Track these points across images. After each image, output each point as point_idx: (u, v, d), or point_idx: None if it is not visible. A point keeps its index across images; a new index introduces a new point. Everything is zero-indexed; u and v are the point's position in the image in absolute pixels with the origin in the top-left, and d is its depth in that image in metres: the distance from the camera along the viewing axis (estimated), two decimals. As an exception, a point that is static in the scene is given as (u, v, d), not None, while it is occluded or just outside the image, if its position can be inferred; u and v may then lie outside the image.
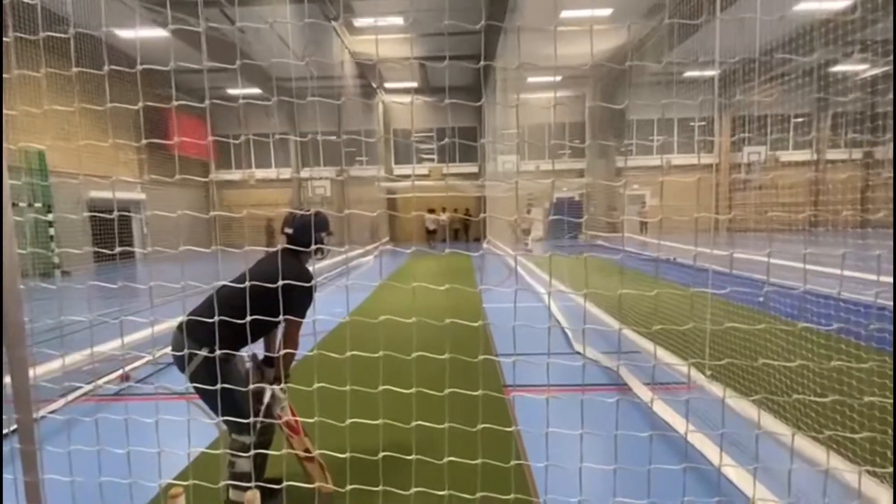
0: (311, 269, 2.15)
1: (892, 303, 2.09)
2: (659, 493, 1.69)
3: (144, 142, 1.82)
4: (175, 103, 1.81)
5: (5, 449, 2.73)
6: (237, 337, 1.84)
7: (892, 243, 1.67)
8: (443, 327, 1.76)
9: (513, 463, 1.62)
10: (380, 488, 1.61)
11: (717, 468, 1.70)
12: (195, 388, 1.96)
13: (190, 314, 2.04)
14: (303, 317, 2.09)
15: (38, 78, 1.74)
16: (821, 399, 2.09)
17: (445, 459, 1.60)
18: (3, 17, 1.56)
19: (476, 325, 1.80)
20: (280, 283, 1.72)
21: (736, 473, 2.20)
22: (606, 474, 1.77)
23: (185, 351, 1.91)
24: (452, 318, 1.72)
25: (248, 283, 1.77)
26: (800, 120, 20.76)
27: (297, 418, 2.25)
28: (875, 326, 3.16)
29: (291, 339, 2.07)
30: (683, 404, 2.99)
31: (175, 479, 2.42)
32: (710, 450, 2.46)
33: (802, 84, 13.66)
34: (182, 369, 2.00)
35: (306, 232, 2.18)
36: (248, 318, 1.71)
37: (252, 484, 1.93)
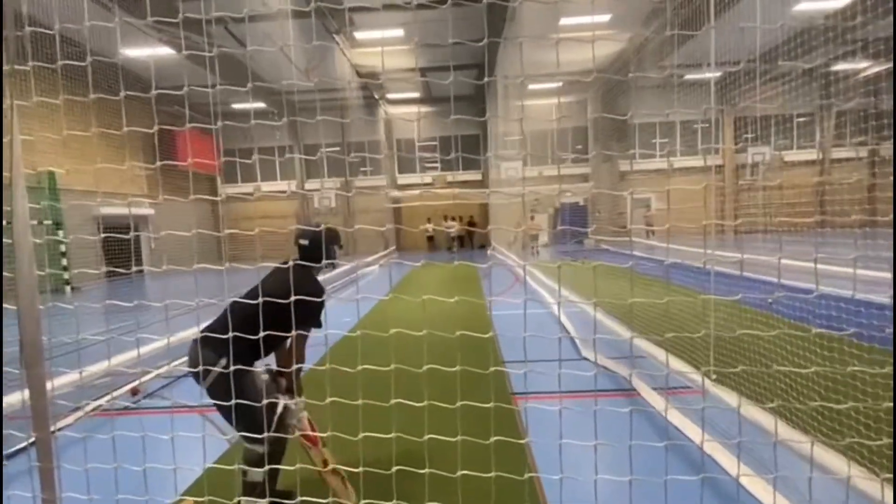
0: (320, 280, 2.21)
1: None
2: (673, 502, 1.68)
3: (158, 163, 1.85)
4: (189, 125, 1.83)
5: (21, 465, 2.75)
6: (253, 349, 1.89)
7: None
8: (452, 336, 1.77)
9: (527, 476, 1.61)
10: (393, 503, 1.61)
11: (736, 479, 1.68)
12: (213, 399, 2.00)
13: (206, 328, 2.08)
14: (316, 327, 2.14)
15: (51, 97, 1.78)
16: (837, 406, 2.06)
17: (459, 473, 1.59)
18: (2, 17, 1.59)
19: (486, 335, 1.80)
20: (293, 297, 1.76)
21: (749, 481, 2.17)
22: (620, 485, 1.76)
23: (200, 368, 1.94)
24: (460, 325, 1.73)
25: (261, 299, 1.79)
26: (803, 119, 20.68)
27: (316, 431, 2.26)
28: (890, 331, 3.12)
29: (300, 351, 2.12)
30: (691, 409, 2.96)
31: (186, 492, 2.42)
32: (720, 455, 2.43)
33: (805, 83, 13.64)
34: (199, 381, 2.03)
35: (319, 246, 2.23)
36: (263, 333, 1.75)
37: (266, 500, 1.94)
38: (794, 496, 1.90)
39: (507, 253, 15.00)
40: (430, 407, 1.69)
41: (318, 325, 2.13)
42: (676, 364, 3.49)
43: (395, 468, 1.69)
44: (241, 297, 2.09)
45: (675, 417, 3.04)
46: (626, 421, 1.76)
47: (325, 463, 2.23)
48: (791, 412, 2.70)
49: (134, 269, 1.73)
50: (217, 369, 1.95)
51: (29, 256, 1.42)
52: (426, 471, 1.66)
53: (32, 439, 1.46)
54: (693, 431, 2.79)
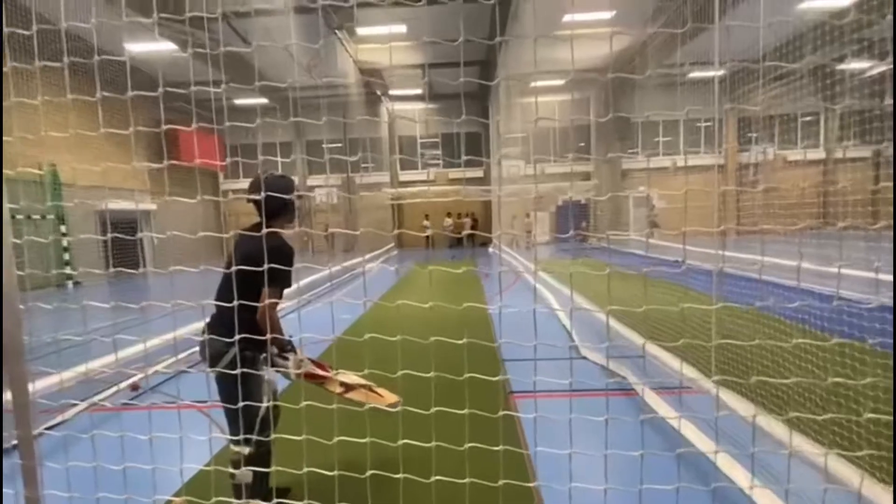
0: (286, 237, 2.16)
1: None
2: None
3: (166, 163, 1.85)
4: (195, 126, 1.84)
5: (6, 465, 2.78)
6: (255, 326, 1.91)
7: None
8: (452, 335, 1.77)
9: (534, 485, 1.61)
10: None
11: (748, 488, 1.68)
12: (219, 385, 2.05)
13: (213, 316, 2.12)
14: (287, 286, 2.08)
15: (55, 93, 1.78)
16: (856, 417, 2.05)
17: (467, 480, 1.60)
18: (2, 16, 1.59)
19: (488, 339, 1.80)
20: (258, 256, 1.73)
21: (727, 464, 2.15)
22: (627, 493, 1.76)
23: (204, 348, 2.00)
24: (459, 324, 1.72)
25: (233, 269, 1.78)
26: (807, 119, 20.58)
27: (321, 365, 2.22)
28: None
29: (273, 314, 2.02)
30: (686, 407, 2.96)
31: (180, 489, 2.43)
32: (725, 463, 2.42)
33: (809, 83, 13.54)
34: (213, 363, 2.04)
35: (278, 200, 2.05)
36: (246, 298, 1.72)
37: (259, 500, 1.95)
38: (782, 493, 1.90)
39: (512, 252, 15.00)
40: (427, 404, 1.69)
41: (287, 284, 2.06)
42: (678, 365, 3.49)
43: (402, 475, 1.69)
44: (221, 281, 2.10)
45: (662, 409, 3.05)
46: (625, 421, 1.76)
47: (346, 386, 2.16)
48: (803, 421, 2.69)
49: (141, 270, 1.73)
50: (232, 352, 1.97)
51: (8, 254, 1.43)
52: (433, 479, 1.67)
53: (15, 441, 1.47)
54: (690, 431, 2.79)
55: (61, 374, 2.19)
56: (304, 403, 1.65)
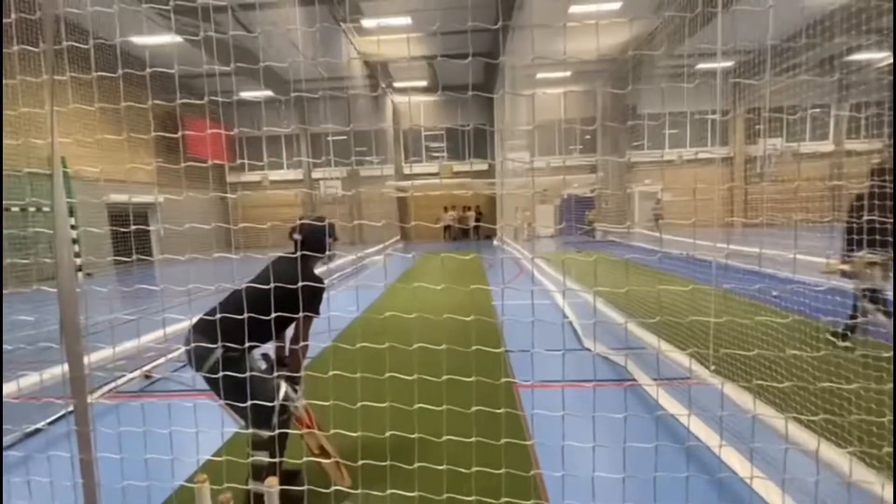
0: (317, 272, 2.34)
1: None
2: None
3: (183, 163, 1.90)
4: (208, 121, 1.88)
5: (60, 430, 2.92)
6: (250, 338, 1.99)
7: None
8: (460, 328, 1.82)
9: (533, 472, 1.67)
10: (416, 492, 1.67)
11: (749, 480, 1.72)
12: (209, 386, 2.10)
13: (204, 315, 2.17)
14: (315, 315, 2.21)
15: (66, 86, 1.84)
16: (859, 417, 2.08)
17: (473, 469, 1.67)
18: (2, 16, 1.64)
19: (498, 351, 1.85)
20: (296, 285, 1.89)
21: (760, 482, 2.16)
22: (616, 470, 1.81)
23: (192, 345, 2.07)
24: (465, 315, 1.77)
25: (262, 287, 1.85)
26: (818, 110, 20.32)
27: (311, 417, 2.35)
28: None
29: (303, 339, 2.20)
30: (683, 394, 3.00)
31: (200, 470, 2.52)
32: (728, 454, 2.47)
33: (819, 74, 13.35)
34: (197, 368, 2.11)
35: (313, 240, 2.31)
36: (265, 316, 1.82)
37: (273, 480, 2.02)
38: (785, 488, 1.95)
39: (516, 245, 15.03)
40: (433, 392, 1.75)
41: (317, 313, 2.21)
42: (678, 357, 3.53)
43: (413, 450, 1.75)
44: (238, 289, 2.18)
45: (666, 401, 3.09)
46: (625, 410, 1.81)
47: (321, 448, 2.32)
48: (805, 409, 2.74)
49: (159, 257, 1.82)
50: (215, 354, 2.04)
51: (68, 244, 1.58)
52: (444, 467, 1.73)
53: (71, 408, 1.62)
54: (686, 417, 2.83)
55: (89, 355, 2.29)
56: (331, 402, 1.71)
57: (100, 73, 1.66)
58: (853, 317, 4.14)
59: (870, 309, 3.86)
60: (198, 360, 2.09)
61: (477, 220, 22.07)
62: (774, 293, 5.23)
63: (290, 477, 2.23)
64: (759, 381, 2.24)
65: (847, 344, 4.08)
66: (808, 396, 2.70)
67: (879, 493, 1.71)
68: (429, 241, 21.43)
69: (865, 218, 3.63)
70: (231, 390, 1.98)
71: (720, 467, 2.36)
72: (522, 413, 3.31)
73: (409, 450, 1.91)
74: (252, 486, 2.14)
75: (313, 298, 2.17)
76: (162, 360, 4.44)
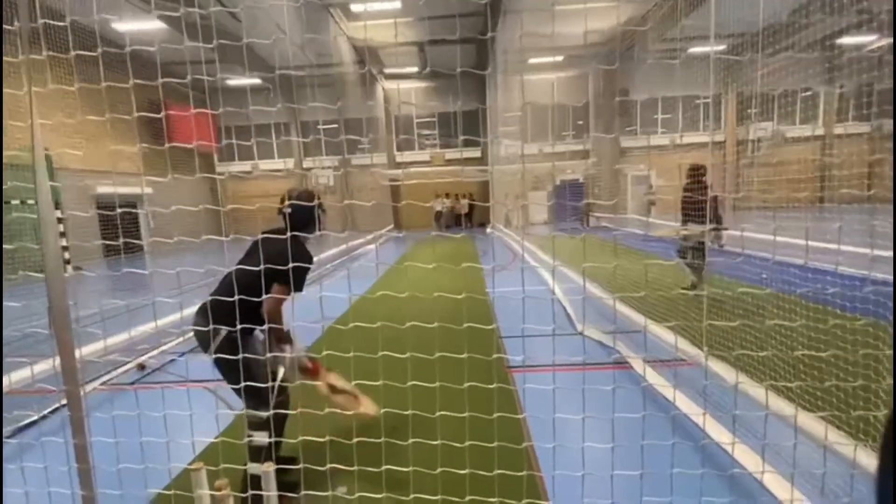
0: (307, 247, 2.35)
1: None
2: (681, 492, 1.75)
3: (169, 148, 1.86)
4: (193, 110, 1.84)
5: (54, 423, 2.91)
6: (251, 315, 2.05)
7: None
8: (454, 310, 1.82)
9: (525, 445, 1.69)
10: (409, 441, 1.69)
11: (760, 475, 1.76)
12: (217, 366, 2.13)
13: (205, 301, 2.19)
14: (297, 290, 2.17)
15: (44, 66, 1.79)
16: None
17: (467, 442, 1.69)
18: (2, 16, 1.59)
19: (487, 317, 1.86)
20: (276, 260, 1.93)
21: (756, 465, 2.18)
22: (607, 452, 1.84)
23: (202, 328, 2.07)
24: (460, 302, 1.78)
25: (232, 271, 1.84)
26: (807, 94, 20.38)
27: (315, 363, 2.36)
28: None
29: (276, 306, 2.17)
30: (674, 376, 3.06)
31: (197, 458, 2.53)
32: (712, 428, 2.52)
33: (809, 58, 13.35)
34: (205, 349, 2.15)
35: (302, 212, 2.30)
36: (260, 294, 1.79)
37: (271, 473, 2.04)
38: (781, 464, 2.00)
39: (509, 231, 15.04)
40: (426, 370, 1.76)
41: (299, 289, 2.19)
42: (669, 337, 3.58)
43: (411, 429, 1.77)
44: (231, 269, 2.19)
45: (655, 378, 3.14)
46: (619, 393, 1.84)
47: (333, 387, 2.33)
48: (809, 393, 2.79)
49: (160, 239, 1.80)
50: (222, 334, 2.08)
51: (54, 230, 1.57)
52: (438, 442, 1.75)
53: (65, 401, 1.63)
54: (682, 401, 2.89)
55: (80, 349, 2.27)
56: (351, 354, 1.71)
57: (78, 52, 1.62)
58: (694, 267, 6.04)
59: (696, 264, 5.94)
60: (203, 343, 2.14)
61: (470, 207, 22.03)
62: (764, 275, 5.30)
63: (285, 463, 2.24)
64: (743, 352, 2.28)
65: (696, 291, 5.78)
66: (784, 365, 2.76)
67: (851, 455, 1.76)
68: (422, 230, 21.38)
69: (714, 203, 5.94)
70: (234, 371, 2.02)
71: (704, 437, 2.42)
72: (514, 388, 3.35)
73: (403, 426, 1.93)
74: (250, 468, 2.15)
75: (299, 273, 2.11)
76: (155, 351, 4.42)
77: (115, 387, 3.86)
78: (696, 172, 6.03)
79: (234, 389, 2.15)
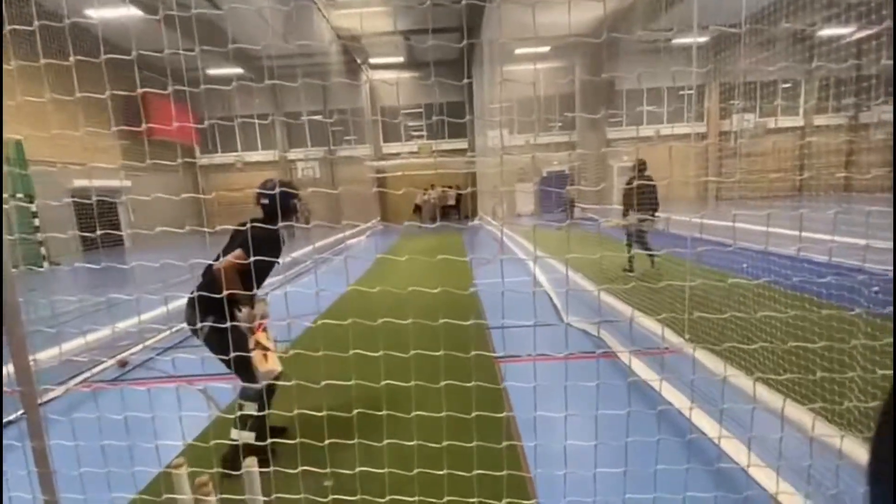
0: (282, 233, 2.54)
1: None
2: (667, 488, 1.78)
3: (144, 126, 1.80)
4: (174, 95, 1.79)
5: (12, 435, 2.81)
6: (232, 299, 2.24)
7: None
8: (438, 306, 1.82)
9: (506, 413, 1.70)
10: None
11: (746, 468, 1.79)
12: (208, 344, 2.35)
13: (195, 290, 2.36)
14: (252, 257, 2.21)
15: (18, 67, 1.71)
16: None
17: (443, 413, 1.70)
18: (2, 16, 1.53)
19: (471, 307, 1.85)
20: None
21: (740, 452, 2.23)
22: (590, 432, 1.87)
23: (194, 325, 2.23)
24: (446, 294, 1.77)
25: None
26: (787, 86, 20.70)
27: (263, 325, 2.56)
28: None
29: (231, 265, 2.28)
30: (656, 365, 3.12)
31: (175, 457, 2.50)
32: (707, 424, 2.57)
33: (791, 50, 13.54)
34: (197, 337, 2.37)
35: (276, 200, 2.45)
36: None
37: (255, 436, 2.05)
38: (769, 456, 2.04)
39: (495, 223, 15.06)
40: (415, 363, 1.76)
41: (266, 270, 2.46)
42: (653, 326, 3.64)
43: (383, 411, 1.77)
44: (213, 259, 2.40)
45: (643, 372, 3.20)
46: (601, 379, 1.86)
47: (258, 343, 2.52)
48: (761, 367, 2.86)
49: (120, 245, 1.74)
50: (207, 322, 2.21)
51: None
52: (414, 410, 1.75)
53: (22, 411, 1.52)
54: (668, 391, 2.94)
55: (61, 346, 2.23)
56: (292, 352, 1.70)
57: (44, 23, 1.54)
58: (630, 258, 6.73)
59: (635, 250, 6.59)
60: (194, 331, 2.35)
61: (457, 199, 21.95)
62: (745, 264, 5.41)
63: (276, 433, 2.32)
64: (731, 345, 2.33)
65: (633, 273, 6.45)
66: (774, 357, 2.83)
67: (838, 445, 1.82)
68: (408, 223, 21.26)
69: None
70: (226, 350, 2.16)
71: (692, 430, 2.47)
72: (502, 383, 3.38)
73: (378, 424, 1.93)
74: (234, 434, 2.33)
75: (265, 249, 2.22)
76: (139, 347, 4.34)
77: (94, 385, 3.78)
78: (640, 167, 6.83)
79: (223, 362, 2.32)
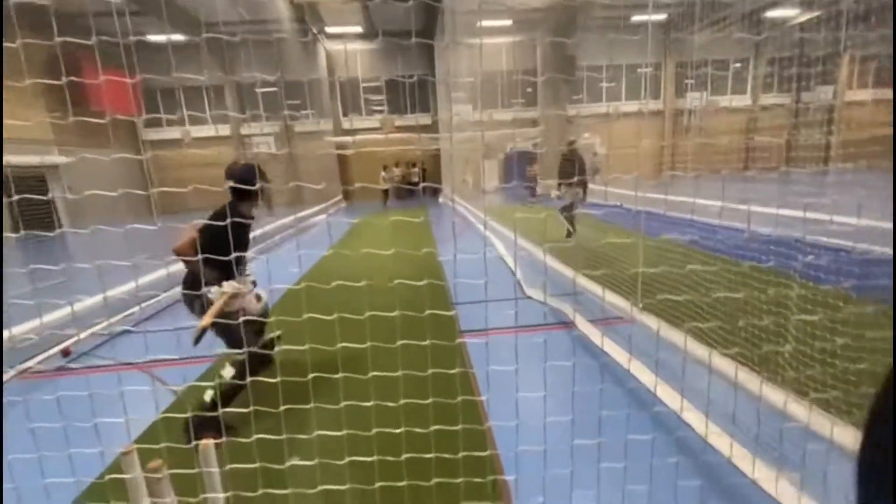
0: (250, 214, 2.66)
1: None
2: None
3: (71, 117, 1.63)
4: (112, 62, 1.61)
5: None
6: (221, 269, 2.40)
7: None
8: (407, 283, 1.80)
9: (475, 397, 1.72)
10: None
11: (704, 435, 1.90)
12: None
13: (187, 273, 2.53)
14: (214, 231, 2.33)
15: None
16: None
17: (400, 372, 1.70)
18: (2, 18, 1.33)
19: (445, 311, 1.84)
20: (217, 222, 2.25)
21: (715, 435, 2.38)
22: (556, 405, 1.94)
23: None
24: (411, 270, 1.75)
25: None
26: (738, 65, 21.53)
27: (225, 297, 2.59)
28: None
29: (185, 238, 2.41)
30: (619, 334, 3.27)
31: (134, 441, 2.41)
32: (644, 373, 2.74)
33: (741, 29, 14.04)
34: (192, 310, 2.58)
35: (244, 181, 2.57)
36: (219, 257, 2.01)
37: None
38: (699, 401, 2.20)
39: (461, 201, 15.04)
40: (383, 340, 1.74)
41: (227, 247, 2.44)
42: (611, 297, 3.80)
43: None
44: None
45: (607, 344, 3.35)
46: (561, 350, 1.92)
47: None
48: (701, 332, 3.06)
49: (57, 229, 1.59)
50: (201, 299, 2.44)
51: None
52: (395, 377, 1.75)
53: None
54: (621, 355, 3.09)
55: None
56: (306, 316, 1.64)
57: None
58: (569, 219, 7.69)
59: (565, 215, 7.69)
60: (190, 306, 2.57)
61: (422, 176, 21.69)
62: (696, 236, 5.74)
63: (265, 346, 2.62)
64: (695, 324, 2.46)
65: (569, 239, 7.39)
66: (701, 312, 3.03)
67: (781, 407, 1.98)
68: (372, 201, 20.88)
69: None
70: (218, 326, 2.44)
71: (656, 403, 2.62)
72: (462, 340, 3.44)
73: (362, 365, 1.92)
74: (207, 395, 2.47)
75: (237, 232, 2.30)
76: (84, 334, 4.08)
77: (37, 375, 3.54)
78: (570, 145, 7.91)
79: (222, 335, 2.52)
